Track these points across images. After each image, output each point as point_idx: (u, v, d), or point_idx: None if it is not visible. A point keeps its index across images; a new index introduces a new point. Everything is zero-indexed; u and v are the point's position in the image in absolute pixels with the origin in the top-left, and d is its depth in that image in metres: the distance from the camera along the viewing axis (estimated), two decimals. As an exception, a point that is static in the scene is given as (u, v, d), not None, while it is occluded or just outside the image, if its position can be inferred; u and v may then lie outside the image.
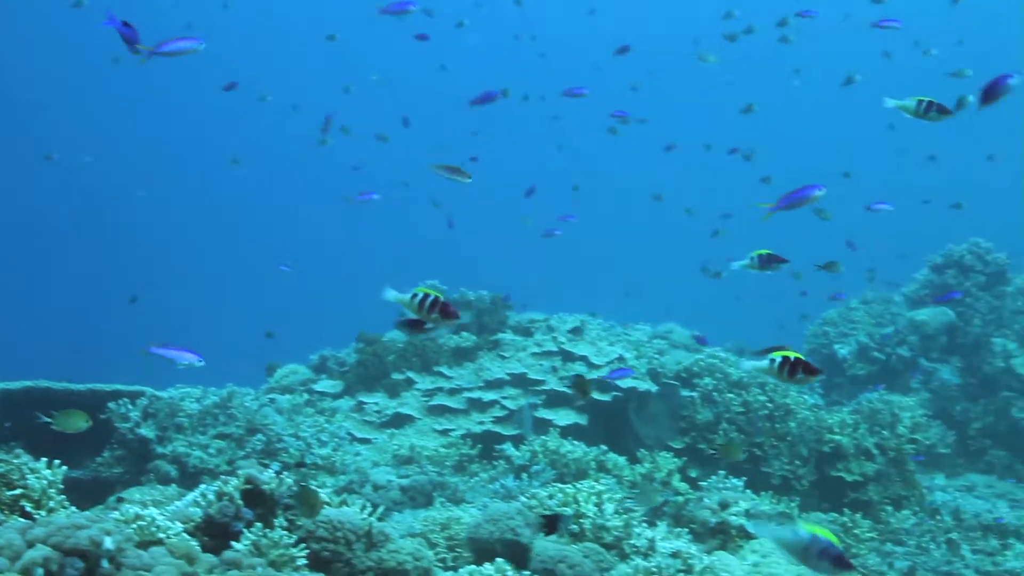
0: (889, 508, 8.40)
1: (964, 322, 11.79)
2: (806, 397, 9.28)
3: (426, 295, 4.25)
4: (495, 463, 7.85)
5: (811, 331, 12.94)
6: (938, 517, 8.44)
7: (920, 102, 4.92)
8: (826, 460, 8.64)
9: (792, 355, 4.20)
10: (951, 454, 10.37)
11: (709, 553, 5.39)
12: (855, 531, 7.45)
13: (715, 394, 8.82)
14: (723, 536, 5.95)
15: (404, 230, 36.26)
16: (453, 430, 8.48)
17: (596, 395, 8.75)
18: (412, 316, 4.35)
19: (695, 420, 8.77)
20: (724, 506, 6.08)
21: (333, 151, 12.78)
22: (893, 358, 11.86)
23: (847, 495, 8.49)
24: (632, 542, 5.27)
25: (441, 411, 8.80)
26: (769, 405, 8.60)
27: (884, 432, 8.95)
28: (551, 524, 4.77)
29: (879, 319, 12.56)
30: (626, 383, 8.82)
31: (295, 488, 4.00)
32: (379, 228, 38.69)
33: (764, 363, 4.24)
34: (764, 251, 5.25)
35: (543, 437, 7.84)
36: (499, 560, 4.93)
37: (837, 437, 8.64)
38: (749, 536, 5.84)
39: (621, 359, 9.19)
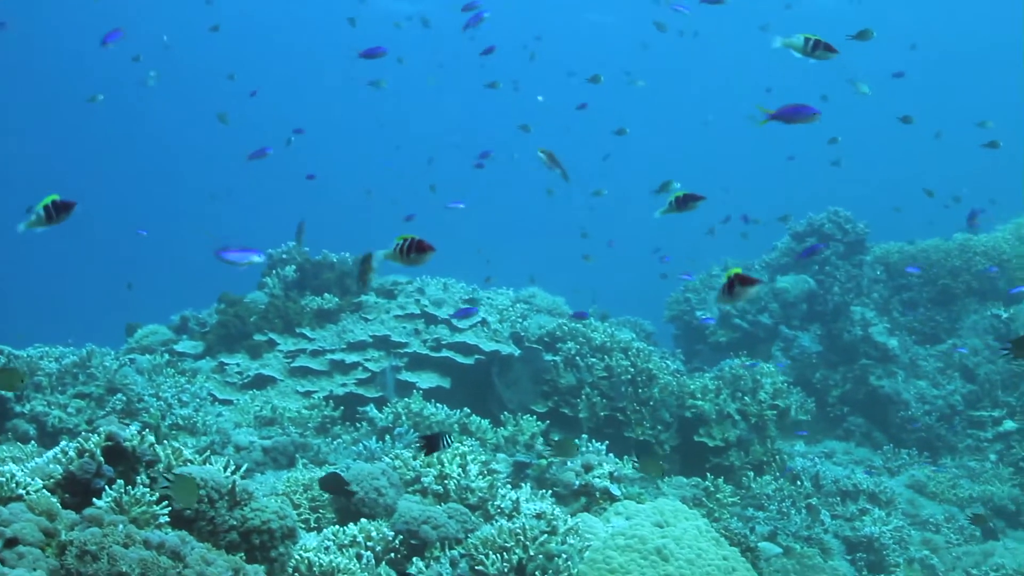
0: (751, 473, 8.58)
1: (824, 290, 12.09)
2: (668, 363, 9.46)
3: (403, 240, 4.34)
4: (358, 425, 7.83)
5: (673, 298, 13.12)
6: (798, 483, 8.70)
7: (807, 40, 5.00)
8: (688, 425, 8.81)
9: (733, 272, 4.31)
10: (811, 420, 10.65)
11: (573, 515, 5.48)
12: (717, 495, 7.58)
13: (578, 359, 8.93)
14: (587, 498, 6.05)
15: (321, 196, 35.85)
16: (315, 392, 8.43)
17: (459, 357, 8.81)
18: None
19: (558, 384, 8.87)
20: (588, 469, 6.18)
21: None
22: (755, 325, 12.11)
23: (709, 460, 8.65)
24: (497, 503, 5.32)
25: (303, 373, 8.74)
26: (632, 370, 8.73)
27: (746, 398, 9.14)
28: (432, 444, 4.79)
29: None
30: (489, 346, 8.89)
31: (171, 477, 3.93)
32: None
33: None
34: (680, 193, 5.23)
35: (406, 399, 7.85)
36: (363, 520, 4.95)
37: (699, 403, 8.80)
38: (613, 498, 5.95)
39: (484, 322, 9.24)
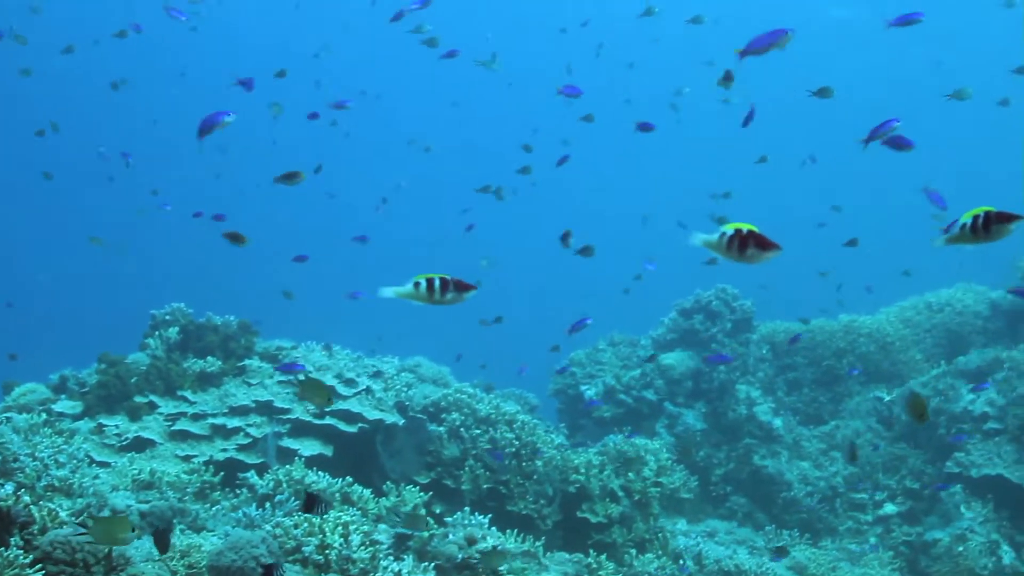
0: (633, 551, 8.61)
1: (709, 368, 12.27)
2: (553, 436, 9.52)
3: (431, 279, 4.17)
4: (238, 491, 7.73)
5: (559, 371, 13.22)
6: (680, 562, 8.78)
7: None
8: (571, 500, 8.84)
9: (745, 227, 3.97)
10: (695, 500, 10.74)
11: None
12: (599, 572, 7.61)
13: (462, 430, 8.96)
14: (469, 572, 6.05)
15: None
16: (196, 456, 8.29)
17: (342, 425, 8.76)
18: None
19: (441, 455, 8.87)
20: (471, 542, 6.19)
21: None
22: (639, 401, 12.22)
23: (591, 536, 8.67)
24: (378, 575, 5.32)
25: (184, 436, 8.59)
26: (516, 443, 8.78)
27: (630, 474, 9.22)
28: (310, 502, 4.76)
29: (626, 361, 12.92)
30: (373, 415, 8.87)
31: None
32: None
33: (713, 237, 4.16)
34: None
35: (288, 466, 7.77)
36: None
37: (583, 478, 8.86)
38: (496, 573, 5.97)
39: (369, 390, 9.23)
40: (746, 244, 3.84)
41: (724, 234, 3.88)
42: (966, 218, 3.97)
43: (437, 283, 4.16)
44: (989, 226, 3.95)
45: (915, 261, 13.46)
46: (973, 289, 14.06)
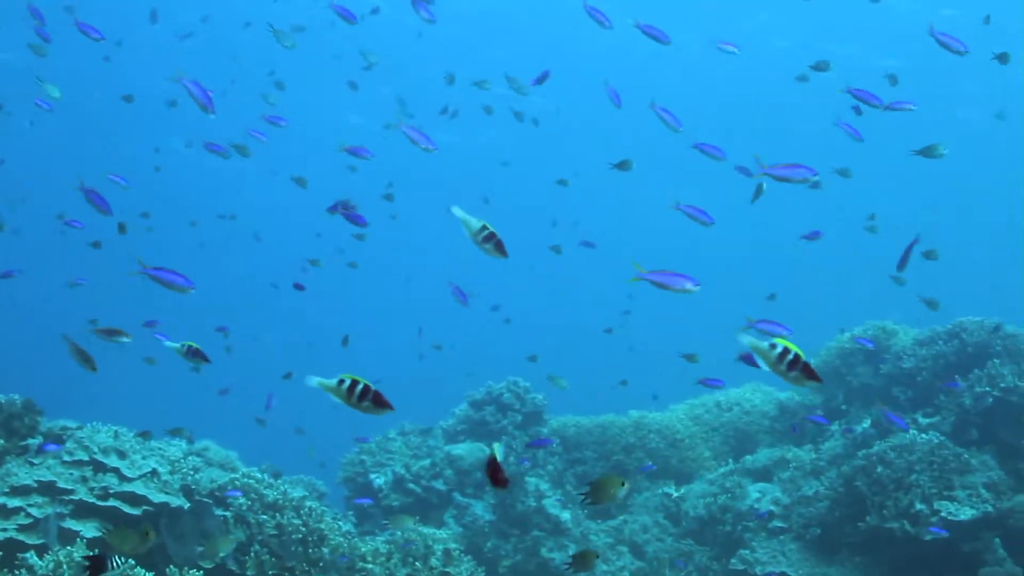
0: None
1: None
2: (341, 524, 9.60)
3: (354, 382, 4.24)
4: (17, 573, 7.57)
5: (348, 459, 13.25)
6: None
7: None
8: (358, 589, 8.91)
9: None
10: None
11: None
12: None
13: (249, 515, 8.99)
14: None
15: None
16: (-28, 536, 8.10)
17: (126, 507, 8.68)
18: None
19: (226, 539, 8.88)
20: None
21: None
22: (428, 491, 12.34)
23: (376, 626, 8.77)
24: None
25: (-40, 515, 8.38)
26: (303, 529, 8.85)
27: (417, 563, 9.30)
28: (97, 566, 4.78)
29: (416, 451, 13.07)
30: (158, 498, 8.82)
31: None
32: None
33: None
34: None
35: (69, 548, 7.67)
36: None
37: (370, 566, 8.94)
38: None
39: (155, 473, 9.17)
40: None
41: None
42: (781, 344, 4.31)
43: (359, 388, 4.31)
44: (793, 367, 4.30)
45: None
46: (762, 389, 14.69)
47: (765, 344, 4.25)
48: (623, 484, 5.56)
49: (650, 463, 12.92)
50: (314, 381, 4.39)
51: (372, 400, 4.34)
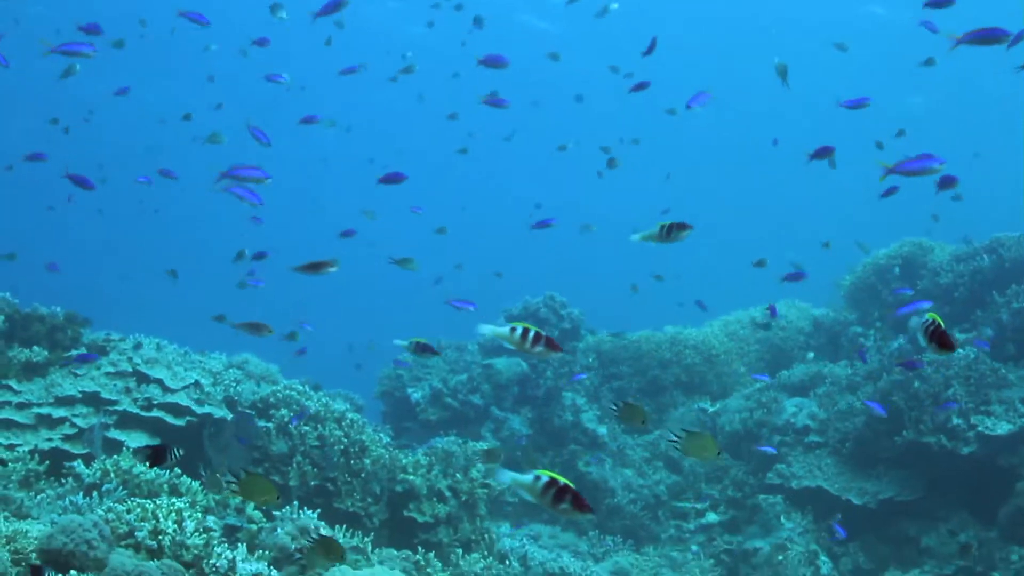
0: (459, 551, 8.71)
1: (536, 374, 12.48)
2: (382, 435, 9.66)
3: (526, 329, 4.35)
4: (63, 481, 7.71)
5: (385, 373, 13.33)
6: (507, 562, 9.00)
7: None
8: (399, 499, 9.00)
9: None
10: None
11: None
12: (427, 570, 7.74)
13: (291, 426, 9.09)
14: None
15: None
16: (20, 445, 8.23)
17: (169, 418, 8.80)
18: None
19: (269, 451, 8.96)
20: (304, 532, 6.36)
21: None
22: (465, 405, 12.42)
23: (417, 535, 8.85)
24: (212, 562, 5.41)
25: (7, 425, 8.50)
26: (344, 440, 8.94)
27: (458, 475, 9.36)
28: (158, 455, 4.87)
29: (453, 365, 13.10)
30: (201, 409, 8.93)
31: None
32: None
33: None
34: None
35: (115, 456, 7.77)
36: (72, 573, 4.97)
37: (411, 477, 9.03)
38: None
39: (198, 384, 9.28)
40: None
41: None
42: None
43: (532, 334, 4.41)
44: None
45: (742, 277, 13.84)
46: (797, 306, 14.68)
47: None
48: (643, 421, 5.72)
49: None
50: (488, 329, 4.53)
51: (545, 344, 4.43)
